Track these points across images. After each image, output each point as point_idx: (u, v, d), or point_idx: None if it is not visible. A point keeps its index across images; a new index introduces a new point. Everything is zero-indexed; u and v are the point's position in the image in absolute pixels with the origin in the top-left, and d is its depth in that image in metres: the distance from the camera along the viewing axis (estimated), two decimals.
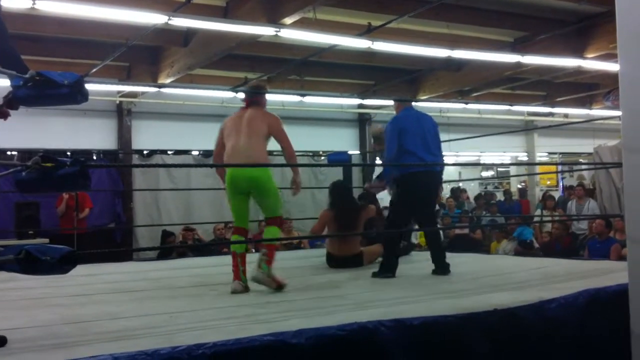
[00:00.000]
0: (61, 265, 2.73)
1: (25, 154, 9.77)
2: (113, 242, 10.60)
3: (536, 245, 10.30)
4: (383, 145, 7.80)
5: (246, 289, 4.56)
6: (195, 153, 11.98)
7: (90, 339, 3.04)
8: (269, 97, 11.39)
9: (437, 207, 9.21)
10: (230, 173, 4.75)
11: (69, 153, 9.86)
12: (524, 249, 9.93)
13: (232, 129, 4.82)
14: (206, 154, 11.89)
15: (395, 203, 5.61)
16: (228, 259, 7.82)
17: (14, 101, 3.11)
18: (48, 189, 3.14)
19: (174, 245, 9.90)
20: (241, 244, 4.83)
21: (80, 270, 3.37)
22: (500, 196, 15.95)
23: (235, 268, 4.64)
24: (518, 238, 10.35)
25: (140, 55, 10.31)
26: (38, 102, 3.15)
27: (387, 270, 5.30)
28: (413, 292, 4.35)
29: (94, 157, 10.88)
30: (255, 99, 4.96)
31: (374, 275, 5.33)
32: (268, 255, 4.59)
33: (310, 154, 12.74)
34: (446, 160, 5.78)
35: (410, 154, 5.35)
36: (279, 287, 4.53)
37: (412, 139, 5.38)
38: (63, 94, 2.99)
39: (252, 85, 5.17)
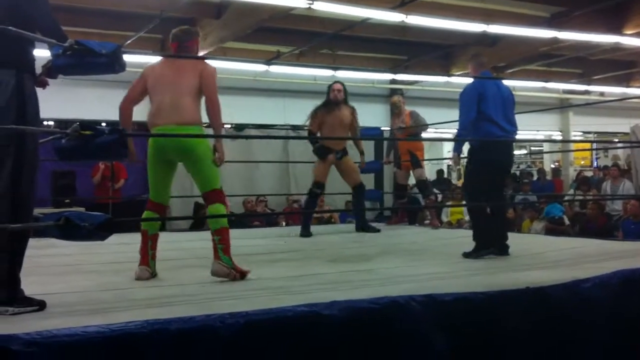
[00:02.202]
0: (99, 232, 2.79)
1: (62, 123, 9.91)
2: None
3: (567, 222, 10.19)
4: (399, 118, 7.80)
5: (153, 276, 4.00)
6: (227, 126, 12.03)
7: (126, 306, 3.11)
8: (301, 70, 11.47)
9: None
10: (155, 138, 4.06)
11: (104, 124, 9.96)
12: (554, 225, 9.84)
13: (157, 81, 4.06)
14: (238, 127, 11.94)
15: (473, 176, 5.16)
16: (259, 232, 7.98)
17: (53, 70, 3.15)
18: (87, 156, 3.19)
19: (206, 216, 9.97)
20: (154, 221, 4.11)
21: (114, 239, 3.43)
22: (534, 175, 15.76)
23: (144, 251, 4.00)
24: (547, 216, 10.26)
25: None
26: (76, 71, 3.17)
27: (484, 247, 4.84)
28: (445, 268, 4.34)
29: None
30: (186, 43, 4.23)
31: (467, 255, 4.85)
32: (222, 242, 3.88)
33: None
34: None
35: (490, 122, 4.94)
36: (242, 276, 3.88)
37: (493, 106, 4.96)
38: (101, 63, 3.01)
39: (181, 29, 4.33)
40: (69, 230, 2.71)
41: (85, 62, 3.03)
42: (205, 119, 4.08)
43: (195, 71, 4.02)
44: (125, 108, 4.14)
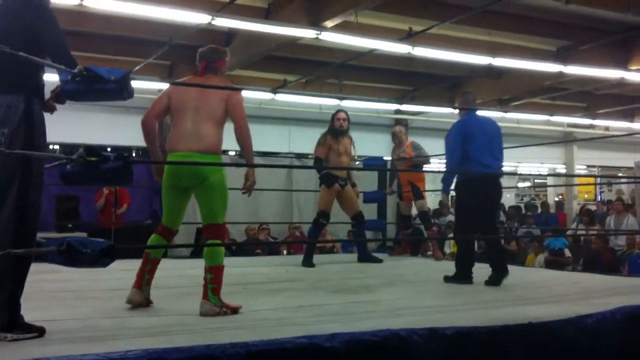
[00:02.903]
0: (101, 258, 2.78)
1: (68, 147, 9.95)
2: (149, 239, 10.71)
3: (568, 254, 10.15)
4: (400, 148, 7.83)
5: (147, 302, 3.87)
6: (231, 153, 12.07)
7: (125, 334, 3.08)
8: (307, 99, 11.53)
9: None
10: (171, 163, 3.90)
11: (109, 149, 10.00)
12: (555, 257, 9.82)
13: (181, 103, 3.89)
14: (241, 154, 11.95)
15: (461, 211, 5.48)
16: (261, 260, 7.95)
17: (61, 95, 3.17)
18: (92, 182, 3.20)
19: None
20: (161, 248, 4.05)
21: (117, 265, 3.42)
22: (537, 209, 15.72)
23: (141, 274, 3.88)
24: (548, 247, 10.25)
25: (182, 54, 10.41)
26: (85, 97, 3.20)
27: (462, 276, 5.20)
28: (447, 301, 4.31)
29: (133, 154, 11.03)
30: (214, 63, 4.04)
31: (447, 279, 5.25)
32: (214, 281, 3.71)
33: None
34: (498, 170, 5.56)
35: (475, 161, 5.17)
36: (233, 312, 3.71)
37: (477, 146, 5.21)
38: (110, 89, 3.03)
39: (210, 47, 4.15)
40: (71, 256, 2.70)
41: (94, 88, 3.04)
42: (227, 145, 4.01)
43: (222, 97, 3.86)
44: (149, 123, 3.95)
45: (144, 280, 3.88)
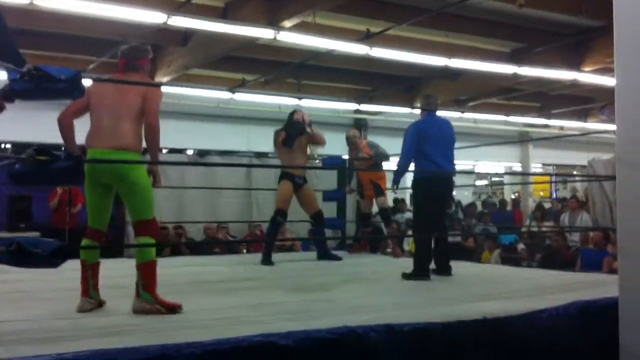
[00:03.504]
0: (52, 258, 2.73)
1: (20, 147, 9.73)
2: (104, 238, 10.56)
3: (521, 247, 10.36)
4: (357, 151, 7.91)
5: (99, 305, 3.83)
6: (189, 152, 11.97)
7: (79, 334, 3.04)
8: (266, 98, 11.50)
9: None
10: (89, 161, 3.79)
11: (63, 148, 9.83)
12: (508, 253, 10.02)
13: (99, 101, 3.83)
14: (201, 152, 11.88)
15: (417, 206, 5.85)
16: (219, 259, 7.90)
17: (10, 94, 3.10)
18: (41, 181, 3.14)
19: (163, 244, 9.85)
20: (94, 249, 3.92)
21: (71, 264, 3.36)
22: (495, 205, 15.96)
23: (84, 281, 3.80)
24: (501, 243, 10.46)
25: None
26: (35, 96, 3.13)
27: (421, 272, 5.35)
28: (404, 298, 4.36)
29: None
30: (136, 61, 3.99)
31: (405, 276, 5.36)
32: (145, 278, 3.67)
33: None
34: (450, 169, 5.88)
35: (428, 160, 5.48)
36: (171, 310, 3.65)
37: (432, 146, 5.50)
38: (60, 88, 2.98)
39: (131, 46, 4.11)
40: (21, 256, 2.65)
41: (44, 87, 2.99)
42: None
43: (138, 92, 3.81)
44: (65, 121, 3.85)
45: (89, 287, 3.81)
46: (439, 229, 5.75)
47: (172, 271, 5.79)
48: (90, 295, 3.80)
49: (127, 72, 3.97)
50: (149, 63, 4.17)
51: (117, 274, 5.02)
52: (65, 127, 3.85)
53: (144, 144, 3.90)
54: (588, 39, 10.06)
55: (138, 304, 3.64)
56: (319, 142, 7.17)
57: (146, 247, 3.77)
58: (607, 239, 8.83)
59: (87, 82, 3.13)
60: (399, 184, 5.93)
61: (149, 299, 3.64)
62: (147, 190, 3.80)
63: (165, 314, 3.60)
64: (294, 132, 6.85)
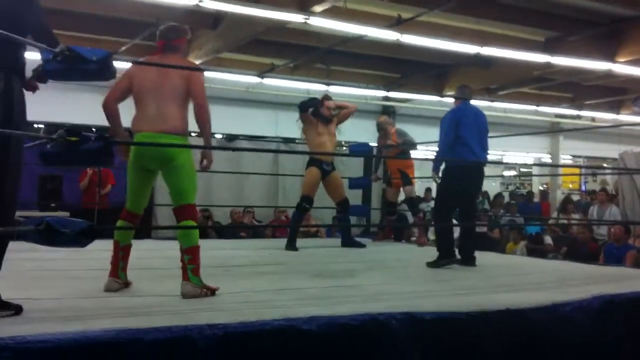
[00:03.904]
0: (80, 238, 2.77)
1: (52, 127, 9.86)
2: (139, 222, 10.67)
3: (548, 241, 10.27)
4: (386, 138, 7.88)
5: (125, 285, 3.90)
6: (218, 136, 12.02)
7: (104, 313, 3.09)
8: (295, 84, 11.50)
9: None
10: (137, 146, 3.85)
11: (94, 129, 9.95)
12: (534, 244, 9.95)
13: (142, 84, 3.83)
14: (230, 137, 11.94)
15: (444, 193, 5.81)
16: (245, 243, 7.96)
17: (43, 74, 3.15)
18: (71, 162, 3.18)
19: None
20: (126, 230, 3.96)
21: (100, 245, 3.43)
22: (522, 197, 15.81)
23: (115, 262, 3.87)
24: (527, 234, 10.39)
25: None
26: (66, 77, 3.19)
27: (446, 257, 5.44)
28: (427, 287, 4.35)
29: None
30: (173, 42, 3.96)
31: (431, 265, 5.41)
32: (193, 262, 3.70)
33: None
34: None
35: (465, 146, 5.54)
36: (212, 293, 3.72)
37: (469, 132, 5.58)
38: (91, 69, 3.02)
39: (169, 26, 4.09)
40: (50, 235, 2.70)
41: (76, 68, 3.04)
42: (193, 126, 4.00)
43: (182, 75, 3.81)
44: (110, 107, 3.89)
45: (119, 268, 3.86)
46: (468, 218, 5.85)
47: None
48: (118, 276, 3.85)
49: (165, 52, 3.96)
50: (187, 43, 4.16)
51: (144, 255, 5.12)
52: (110, 112, 3.90)
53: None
54: (623, 28, 9.86)
55: (189, 288, 3.64)
56: (349, 112, 7.19)
57: (190, 230, 3.79)
58: (628, 233, 8.77)
59: (119, 64, 3.16)
60: (439, 171, 5.92)
61: (198, 283, 3.67)
62: (192, 175, 3.83)
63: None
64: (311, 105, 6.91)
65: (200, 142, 4.21)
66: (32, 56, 3.17)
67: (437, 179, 5.96)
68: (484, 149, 5.75)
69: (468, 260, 5.58)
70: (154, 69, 3.86)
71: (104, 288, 3.78)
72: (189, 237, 3.76)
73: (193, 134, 5.00)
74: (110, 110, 3.89)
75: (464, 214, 5.92)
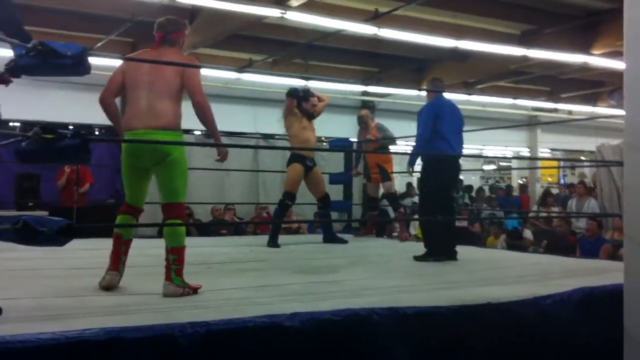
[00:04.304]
0: (58, 237, 2.73)
1: (28, 125, 9.75)
2: (112, 218, 10.58)
3: (527, 235, 10.37)
4: (366, 132, 7.89)
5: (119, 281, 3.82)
6: (197, 133, 11.94)
7: (84, 312, 3.05)
8: (273, 79, 11.46)
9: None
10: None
11: (70, 127, 9.84)
12: (512, 239, 10.04)
13: (135, 79, 3.74)
14: (208, 134, 11.85)
15: (426, 188, 5.80)
16: (226, 240, 7.91)
17: (15, 69, 3.09)
18: (47, 160, 3.13)
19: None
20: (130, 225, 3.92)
21: (79, 244, 3.39)
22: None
23: (116, 256, 3.79)
24: (506, 229, 10.48)
25: (145, 31, 10.13)
26: (40, 72, 3.12)
27: (437, 252, 5.46)
28: (409, 281, 4.35)
29: (96, 132, 10.84)
30: (171, 35, 3.90)
31: (419, 258, 5.45)
32: (177, 262, 3.63)
33: None
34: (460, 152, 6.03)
35: (443, 139, 5.56)
36: (194, 292, 3.66)
37: (446, 126, 5.60)
38: (66, 64, 2.98)
39: (168, 18, 3.97)
40: (27, 234, 2.66)
41: (50, 63, 2.99)
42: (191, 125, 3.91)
43: (177, 70, 3.71)
44: (107, 102, 3.80)
45: (120, 262, 3.79)
46: (447, 212, 5.83)
47: None
48: (119, 270, 3.78)
49: (163, 46, 3.88)
50: (185, 37, 4.05)
51: None
52: (108, 108, 3.81)
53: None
54: (598, 21, 9.96)
55: (171, 288, 3.58)
56: (324, 104, 7.20)
57: (175, 228, 3.73)
58: (601, 227, 8.91)
59: (97, 61, 3.11)
60: (415, 165, 5.96)
61: (180, 283, 3.61)
62: (185, 173, 3.75)
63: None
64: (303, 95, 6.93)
65: (190, 139, 4.15)
66: (3, 52, 3.11)
67: (411, 172, 6.02)
68: (461, 143, 5.78)
69: (449, 254, 5.60)
70: (148, 64, 3.77)
71: (104, 283, 3.69)
72: (177, 237, 3.69)
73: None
74: (107, 105, 3.81)
75: (442, 208, 5.86)
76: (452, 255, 5.60)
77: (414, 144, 5.94)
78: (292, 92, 6.95)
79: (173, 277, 3.60)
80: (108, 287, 3.68)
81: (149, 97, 3.68)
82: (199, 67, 3.96)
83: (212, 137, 4.02)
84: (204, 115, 3.81)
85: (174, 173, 3.71)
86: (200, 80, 3.82)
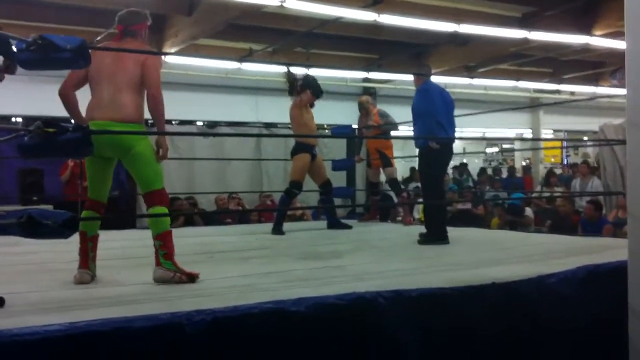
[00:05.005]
0: (62, 230, 2.75)
1: (30, 120, 9.76)
2: (117, 210, 10.62)
3: (529, 214, 10.37)
4: (367, 118, 7.89)
5: (93, 278, 3.77)
6: (199, 123, 11.96)
7: (89, 304, 3.07)
8: (274, 68, 11.46)
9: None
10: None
11: (72, 120, 9.85)
12: (514, 216, 10.04)
13: (97, 70, 3.70)
14: (210, 124, 11.89)
15: (427, 173, 5.77)
16: (231, 229, 7.94)
17: (16, 64, 3.09)
18: (50, 154, 3.14)
19: (174, 213, 9.91)
20: (94, 220, 3.82)
21: (79, 236, 3.40)
22: (504, 173, 15.93)
23: (84, 253, 3.75)
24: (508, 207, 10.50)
25: None
26: (41, 66, 3.13)
27: (439, 236, 5.48)
28: (413, 264, 4.37)
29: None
30: (132, 27, 3.89)
31: (422, 242, 5.48)
32: (164, 247, 3.65)
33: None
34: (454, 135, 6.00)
35: (439, 125, 5.56)
36: (190, 279, 3.65)
37: (440, 111, 5.61)
38: (65, 58, 2.98)
39: (129, 10, 3.95)
40: (32, 227, 2.67)
41: (50, 56, 2.99)
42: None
43: (137, 61, 3.71)
44: (66, 94, 3.75)
45: (89, 259, 3.77)
46: (440, 196, 5.94)
47: (184, 241, 5.84)
48: (89, 267, 3.76)
49: (124, 38, 3.88)
50: (147, 29, 4.02)
51: (130, 244, 5.09)
52: (67, 99, 3.77)
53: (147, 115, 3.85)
54: (599, 2, 9.91)
55: (160, 272, 3.62)
56: None
57: (160, 217, 3.75)
58: (599, 209, 8.90)
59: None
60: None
61: (170, 267, 3.63)
62: (152, 161, 3.75)
63: (185, 283, 3.60)
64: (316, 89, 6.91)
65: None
66: None
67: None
68: (453, 126, 5.79)
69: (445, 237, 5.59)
70: (110, 54, 3.75)
71: (75, 281, 3.68)
72: (159, 223, 3.71)
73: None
74: (66, 97, 3.76)
75: (440, 191, 5.98)
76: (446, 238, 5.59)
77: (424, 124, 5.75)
78: (316, 90, 6.90)
79: (162, 262, 3.63)
80: (80, 283, 3.66)
81: (109, 88, 3.69)
82: (160, 54, 3.95)
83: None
84: (156, 108, 3.78)
85: (140, 165, 3.73)
86: (159, 73, 3.81)
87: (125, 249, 5.08)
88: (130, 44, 3.85)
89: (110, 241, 5.54)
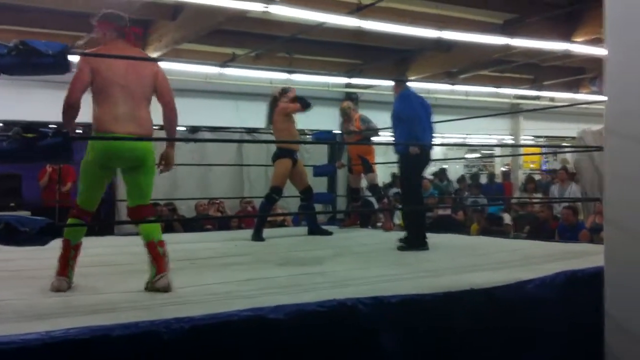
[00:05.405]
0: (40, 236, 2.74)
1: (9, 125, 9.68)
2: (96, 216, 10.53)
3: (507, 221, 10.45)
4: (349, 123, 7.91)
5: (70, 286, 3.69)
6: (181, 129, 11.90)
7: (68, 312, 3.05)
8: (257, 73, 11.42)
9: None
10: (107, 144, 3.61)
11: (51, 125, 9.76)
12: (493, 225, 10.12)
13: (111, 80, 3.59)
14: (192, 129, 11.84)
15: (407, 178, 5.85)
16: (211, 235, 7.90)
17: None
18: (29, 159, 3.13)
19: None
20: (80, 226, 3.78)
21: (59, 243, 3.38)
22: (484, 179, 16.02)
23: (64, 260, 3.66)
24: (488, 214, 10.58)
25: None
26: (21, 71, 3.13)
27: (419, 242, 5.53)
28: (393, 270, 4.39)
29: (78, 131, 10.75)
30: (123, 29, 3.79)
31: (401, 249, 5.52)
32: (156, 264, 3.63)
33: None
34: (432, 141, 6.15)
35: (422, 129, 5.72)
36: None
37: (422, 116, 5.75)
38: (47, 63, 2.98)
39: (116, 12, 3.88)
40: (9, 234, 2.66)
41: (31, 62, 2.99)
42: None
43: (151, 71, 3.70)
44: (76, 104, 3.62)
45: (69, 267, 3.70)
46: (419, 201, 6.08)
47: None
48: (68, 275, 3.70)
49: (117, 40, 3.77)
50: (107, 28, 3.88)
51: (108, 251, 5.04)
52: (76, 110, 3.65)
53: None
54: (580, 9, 10.01)
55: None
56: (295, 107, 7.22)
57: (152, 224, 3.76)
58: (576, 214, 9.03)
59: (74, 59, 3.10)
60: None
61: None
62: (154, 176, 3.82)
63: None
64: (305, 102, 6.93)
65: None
66: None
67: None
68: (431, 131, 5.89)
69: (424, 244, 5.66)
70: (120, 62, 3.64)
71: (52, 288, 3.61)
72: (157, 231, 3.75)
73: None
74: (76, 107, 3.64)
75: (418, 197, 6.13)
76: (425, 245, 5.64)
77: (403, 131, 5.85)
78: (306, 104, 6.92)
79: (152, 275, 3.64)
80: (57, 291, 3.59)
81: (128, 101, 3.62)
82: (155, 60, 3.95)
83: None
84: (175, 118, 3.84)
85: (146, 177, 3.76)
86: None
87: (104, 256, 5.04)
88: (132, 50, 3.81)
89: (89, 248, 5.48)
